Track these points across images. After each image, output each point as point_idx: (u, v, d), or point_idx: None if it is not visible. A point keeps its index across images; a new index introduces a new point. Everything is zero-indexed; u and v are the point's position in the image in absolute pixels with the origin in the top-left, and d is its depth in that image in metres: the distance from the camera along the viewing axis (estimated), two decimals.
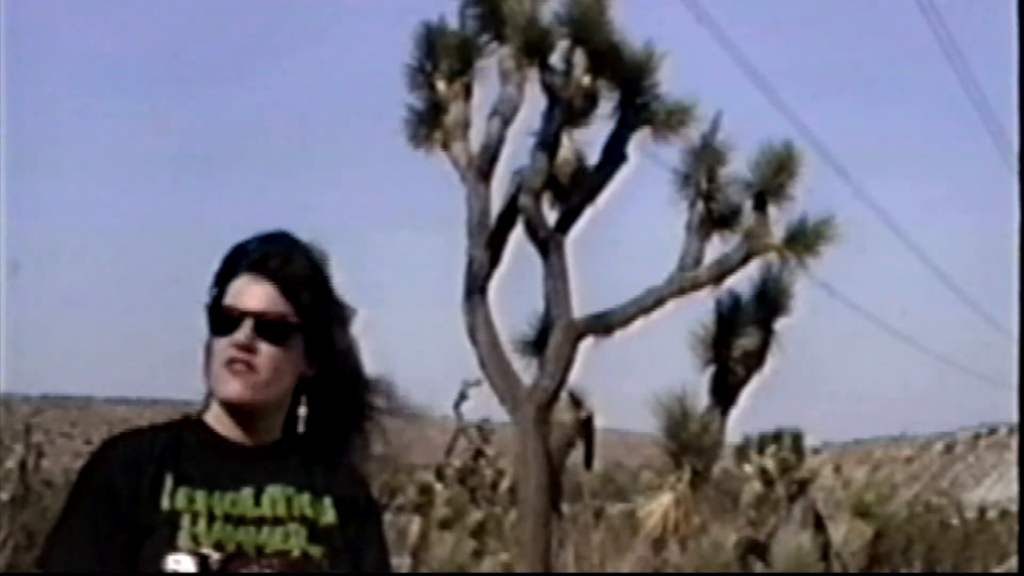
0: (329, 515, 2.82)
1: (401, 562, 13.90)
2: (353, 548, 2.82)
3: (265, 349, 2.79)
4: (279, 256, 2.84)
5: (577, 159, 10.26)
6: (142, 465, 2.76)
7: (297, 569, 2.76)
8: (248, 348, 2.78)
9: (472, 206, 10.06)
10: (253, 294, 2.81)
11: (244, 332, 2.79)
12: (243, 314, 2.80)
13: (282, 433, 2.87)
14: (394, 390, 2.96)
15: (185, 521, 2.72)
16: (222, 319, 2.81)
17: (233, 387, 2.79)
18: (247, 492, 2.78)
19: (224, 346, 2.79)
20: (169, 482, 2.75)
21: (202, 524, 2.72)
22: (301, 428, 2.90)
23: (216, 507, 2.75)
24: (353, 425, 2.92)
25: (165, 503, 2.74)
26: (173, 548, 2.70)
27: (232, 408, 2.81)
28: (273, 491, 2.80)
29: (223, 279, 2.85)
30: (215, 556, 2.71)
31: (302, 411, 2.90)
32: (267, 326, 2.80)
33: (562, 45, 9.94)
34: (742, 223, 10.08)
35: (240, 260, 2.85)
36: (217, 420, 2.84)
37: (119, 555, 2.70)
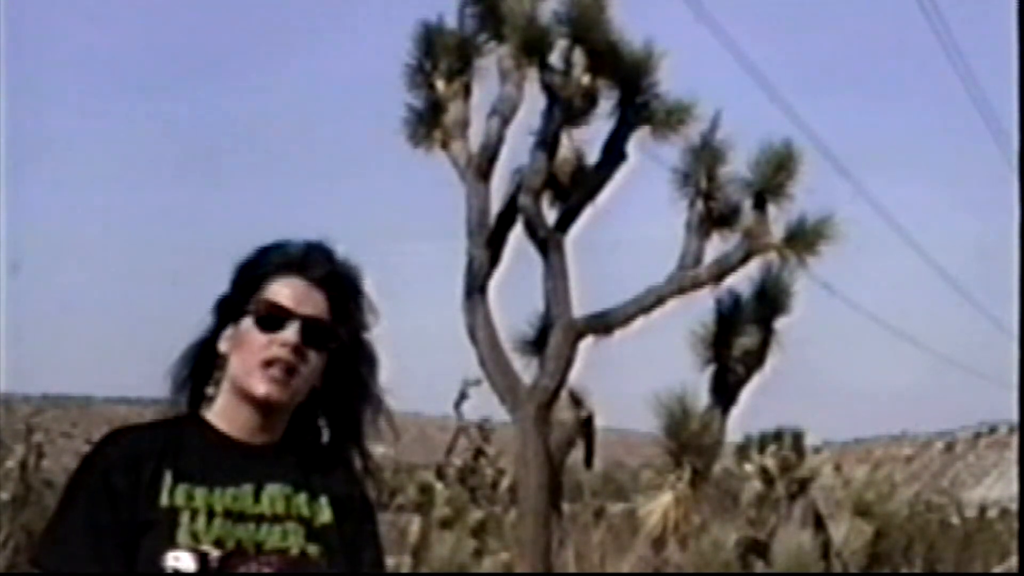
0: (325, 514, 2.82)
1: (401, 561, 13.88)
2: (349, 547, 2.83)
3: (309, 354, 2.79)
4: (329, 267, 2.83)
5: (576, 158, 10.26)
6: (141, 461, 2.75)
7: (296, 567, 2.75)
8: (296, 351, 2.77)
9: (472, 205, 10.06)
10: (306, 298, 2.80)
11: (294, 334, 2.77)
12: (294, 316, 2.78)
13: (282, 435, 2.86)
14: (383, 403, 2.95)
15: (184, 518, 2.71)
16: (268, 315, 2.78)
17: (270, 386, 2.77)
18: (247, 489, 2.78)
19: (268, 343, 2.77)
20: (168, 478, 2.74)
21: (201, 521, 2.72)
22: (325, 438, 2.90)
23: (216, 504, 2.74)
24: (353, 437, 2.92)
25: (164, 499, 2.72)
26: (173, 545, 2.69)
27: (255, 404, 2.80)
28: (272, 489, 2.79)
29: (256, 275, 2.82)
30: (214, 553, 2.70)
31: (321, 422, 2.89)
32: (314, 333, 2.79)
33: (561, 44, 9.94)
34: (742, 222, 10.08)
35: (279, 259, 2.83)
36: (220, 416, 2.82)
37: (117, 552, 2.68)
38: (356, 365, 2.88)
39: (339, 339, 2.82)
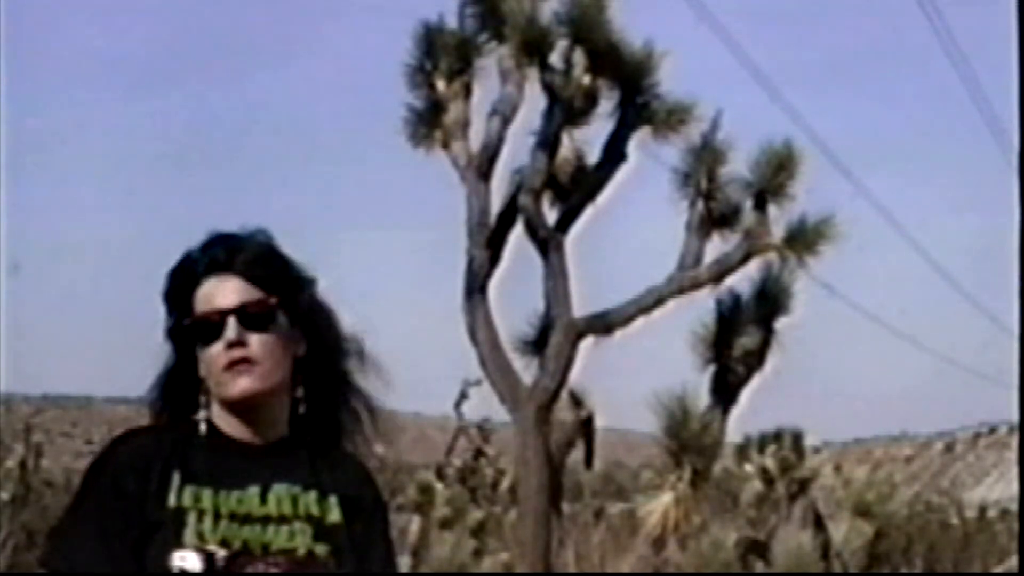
0: (335, 514, 2.82)
1: (401, 561, 13.89)
2: (359, 547, 2.83)
3: (256, 339, 2.78)
4: (229, 250, 2.83)
5: (577, 158, 10.25)
6: (150, 463, 2.76)
7: (303, 567, 2.75)
8: (241, 343, 2.77)
9: (472, 205, 10.06)
10: (224, 292, 2.80)
11: (231, 330, 2.77)
12: (223, 314, 2.79)
13: (288, 428, 2.87)
14: (366, 350, 2.95)
15: (191, 518, 2.72)
16: (204, 328, 2.79)
17: (239, 385, 2.78)
18: (253, 491, 2.78)
19: (217, 351, 2.78)
20: (176, 480, 2.75)
21: (208, 522, 2.72)
22: (302, 409, 2.88)
23: (222, 505, 2.75)
24: (344, 396, 2.91)
25: (171, 500, 2.73)
26: (179, 545, 2.70)
27: (238, 406, 2.80)
28: (279, 489, 2.80)
29: (180, 298, 2.83)
30: (221, 553, 2.71)
31: (299, 392, 2.88)
32: (250, 317, 2.79)
33: (561, 44, 9.94)
34: (742, 222, 10.07)
35: (191, 272, 2.83)
36: (223, 420, 2.83)
37: (126, 552, 2.69)
38: (316, 324, 2.87)
39: (277, 309, 2.82)
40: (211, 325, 2.78)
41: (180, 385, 2.85)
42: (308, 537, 2.77)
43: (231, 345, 2.77)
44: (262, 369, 2.79)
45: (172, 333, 2.85)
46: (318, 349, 2.87)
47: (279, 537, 2.76)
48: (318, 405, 2.89)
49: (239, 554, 2.72)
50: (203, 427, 2.83)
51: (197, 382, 2.83)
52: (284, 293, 2.83)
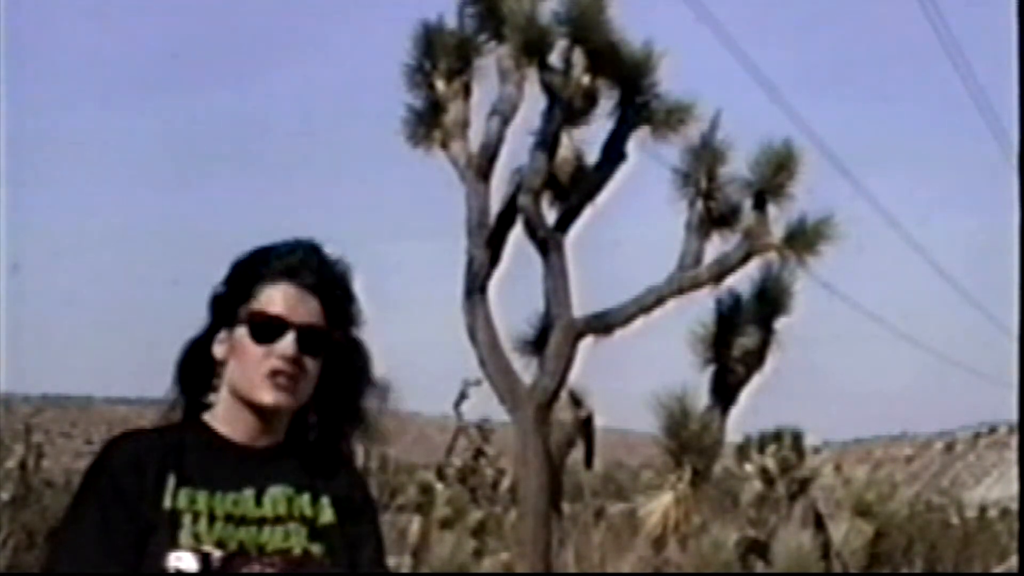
0: (328, 514, 2.83)
1: (401, 561, 13.89)
2: (351, 547, 2.84)
3: (309, 362, 2.80)
4: (318, 269, 2.84)
5: (576, 158, 10.25)
6: (145, 464, 2.77)
7: (299, 567, 2.77)
8: (295, 362, 2.78)
9: (471, 205, 10.06)
10: (299, 306, 2.81)
11: (291, 345, 2.78)
12: (288, 325, 2.79)
13: (284, 436, 2.87)
14: (389, 393, 2.96)
15: (187, 520, 2.73)
16: (262, 325, 2.80)
17: (277, 395, 2.79)
18: (248, 493, 2.79)
19: (266, 354, 2.79)
20: (171, 482, 2.76)
21: (203, 523, 2.74)
22: (313, 436, 2.91)
23: (217, 507, 2.76)
24: (351, 426, 2.92)
25: (167, 502, 2.74)
26: (175, 546, 2.71)
27: (257, 409, 2.81)
28: (274, 491, 2.81)
29: (248, 279, 2.83)
30: (217, 554, 2.72)
31: (313, 419, 2.91)
32: (310, 339, 2.80)
33: (561, 44, 9.94)
34: (742, 222, 10.07)
35: (271, 264, 2.83)
36: (222, 421, 2.84)
37: (129, 552, 2.70)
38: (351, 366, 2.89)
39: (334, 343, 2.84)
40: (269, 327, 2.79)
41: (202, 356, 2.86)
42: (303, 537, 2.79)
43: (286, 358, 2.78)
44: (301, 390, 2.81)
45: (219, 303, 2.85)
46: (337, 383, 2.87)
47: (275, 538, 2.77)
48: (327, 428, 2.92)
49: (235, 555, 2.73)
50: (207, 415, 2.83)
51: (212, 359, 2.84)
52: (344, 333, 2.86)
